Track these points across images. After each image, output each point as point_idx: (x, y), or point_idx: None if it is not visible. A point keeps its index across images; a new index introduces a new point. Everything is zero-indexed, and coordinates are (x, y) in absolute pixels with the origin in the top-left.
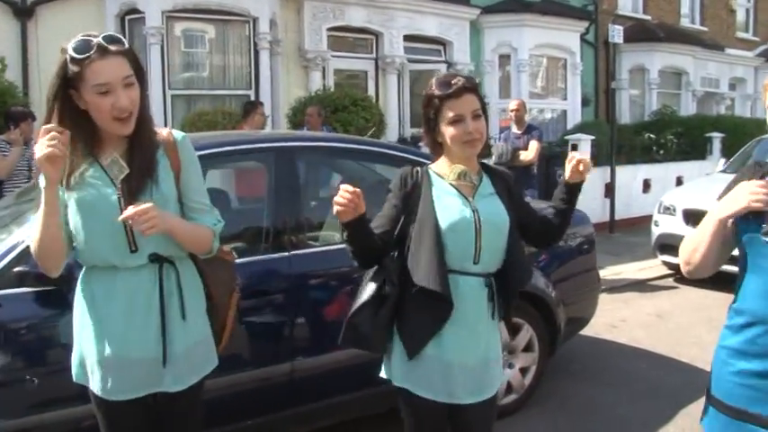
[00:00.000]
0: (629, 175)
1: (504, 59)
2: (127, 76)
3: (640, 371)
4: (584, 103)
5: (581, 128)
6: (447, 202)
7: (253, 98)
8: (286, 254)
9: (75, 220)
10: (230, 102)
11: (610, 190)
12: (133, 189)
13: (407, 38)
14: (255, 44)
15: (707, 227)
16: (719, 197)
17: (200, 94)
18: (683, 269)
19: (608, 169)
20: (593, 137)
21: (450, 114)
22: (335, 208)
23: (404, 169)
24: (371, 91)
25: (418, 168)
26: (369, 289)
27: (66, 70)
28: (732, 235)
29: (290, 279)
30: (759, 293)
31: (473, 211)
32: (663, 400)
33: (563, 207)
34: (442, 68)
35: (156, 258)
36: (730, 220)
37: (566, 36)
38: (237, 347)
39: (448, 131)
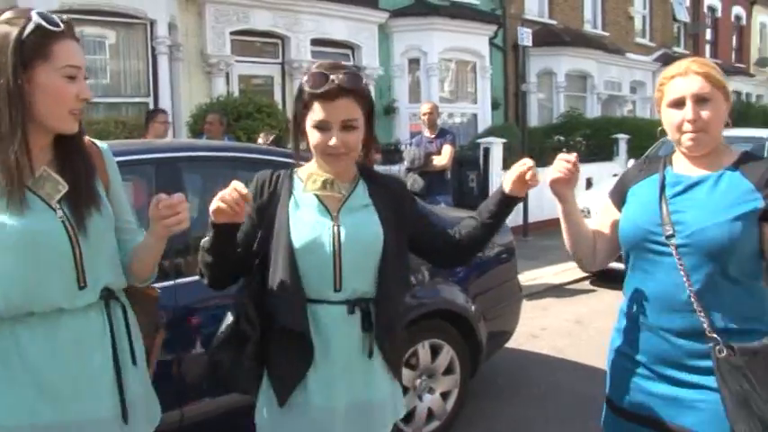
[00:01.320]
0: (541, 178)
1: (414, 63)
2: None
3: (566, 383)
4: (494, 106)
5: (492, 131)
6: (303, 215)
7: (151, 106)
8: (170, 283)
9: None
10: (127, 110)
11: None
12: (80, 209)
13: (315, 42)
14: (153, 48)
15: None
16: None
17: (94, 101)
18: (577, 265)
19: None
20: (504, 140)
21: (316, 118)
22: (214, 204)
23: (261, 173)
24: (278, 97)
25: (280, 173)
26: (227, 322)
27: (24, 42)
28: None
29: (174, 312)
30: (640, 297)
31: (334, 227)
32: (590, 412)
33: (489, 222)
34: None
35: (105, 294)
36: (613, 214)
37: (475, 40)
38: None
39: (311, 136)
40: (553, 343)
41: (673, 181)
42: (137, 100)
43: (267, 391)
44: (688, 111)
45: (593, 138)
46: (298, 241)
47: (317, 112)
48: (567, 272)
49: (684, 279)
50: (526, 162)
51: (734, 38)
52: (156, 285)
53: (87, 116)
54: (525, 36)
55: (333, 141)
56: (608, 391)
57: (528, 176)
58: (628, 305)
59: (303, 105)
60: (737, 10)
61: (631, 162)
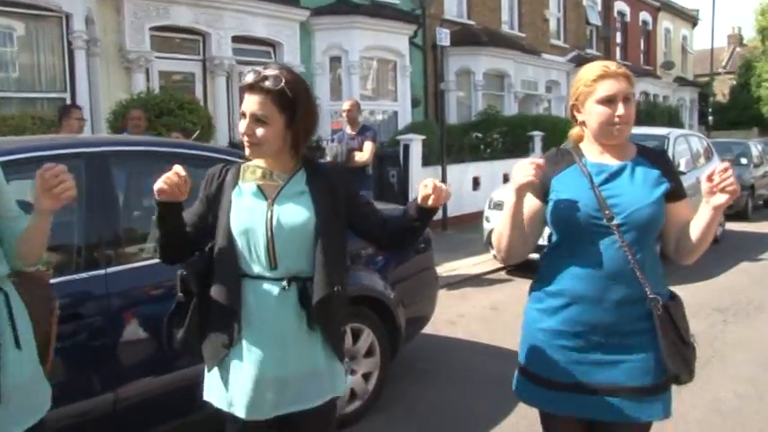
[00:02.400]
0: (460, 174)
1: (335, 62)
2: None
3: (482, 365)
4: (414, 104)
5: (412, 128)
6: (243, 202)
7: (68, 101)
8: (101, 271)
9: None
10: (42, 105)
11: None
12: None
13: (236, 39)
14: (70, 43)
15: (505, 213)
16: None
17: (7, 96)
18: (498, 257)
19: (439, 168)
20: (424, 137)
21: (241, 109)
22: (158, 183)
23: (214, 167)
24: (199, 94)
25: (229, 167)
26: (177, 297)
27: None
28: (542, 219)
29: (106, 299)
30: (577, 275)
31: (268, 211)
32: (505, 391)
33: (413, 225)
34: None
35: None
36: (535, 205)
37: (395, 39)
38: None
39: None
40: (470, 329)
41: (596, 170)
42: (53, 95)
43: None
44: (620, 107)
45: (510, 135)
46: (235, 224)
47: (243, 103)
48: (484, 263)
49: (627, 253)
50: (427, 184)
51: (641, 42)
52: (86, 275)
53: (2, 112)
54: (444, 36)
55: (243, 129)
56: (523, 361)
57: (430, 202)
58: (556, 284)
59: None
60: (644, 15)
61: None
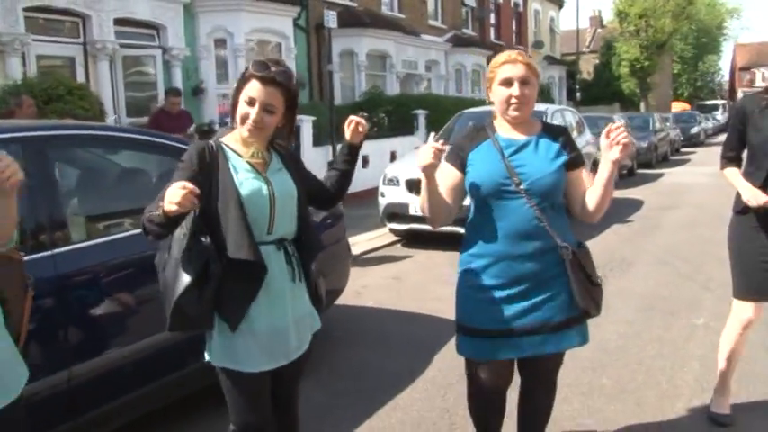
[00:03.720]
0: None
1: (221, 44)
2: None
3: (392, 328)
4: (300, 86)
5: (300, 110)
6: (244, 176)
7: None
8: (48, 253)
9: None
10: None
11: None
12: None
13: (118, 21)
14: None
15: (422, 190)
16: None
17: None
18: (429, 223)
19: (329, 148)
20: (313, 117)
21: (247, 95)
22: (168, 205)
23: (198, 144)
24: (81, 79)
25: (212, 144)
26: (190, 270)
27: None
28: (462, 187)
29: (55, 280)
30: (497, 236)
31: (268, 184)
32: (417, 349)
33: (345, 168)
34: (158, 54)
35: None
36: (455, 176)
37: (279, 21)
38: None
39: (240, 108)
40: (376, 297)
41: (506, 144)
42: None
43: (219, 324)
44: (515, 89)
45: (395, 114)
46: (245, 195)
47: (251, 90)
48: (381, 237)
49: (536, 212)
50: (352, 119)
51: (514, 22)
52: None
53: None
54: (331, 18)
55: (255, 116)
56: (460, 319)
57: (360, 129)
58: (480, 247)
59: (243, 83)
60: None
61: (431, 135)
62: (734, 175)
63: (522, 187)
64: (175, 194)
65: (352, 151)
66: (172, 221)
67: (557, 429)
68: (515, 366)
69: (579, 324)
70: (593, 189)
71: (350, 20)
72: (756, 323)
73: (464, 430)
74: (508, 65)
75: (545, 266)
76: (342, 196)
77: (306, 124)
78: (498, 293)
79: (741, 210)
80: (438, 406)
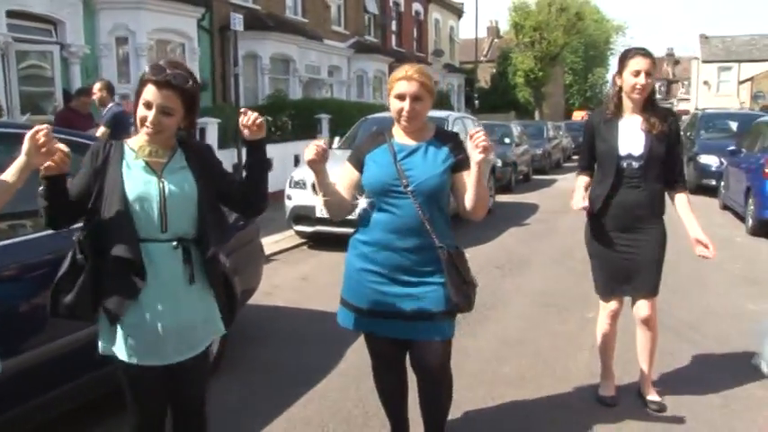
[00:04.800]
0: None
1: (122, 42)
2: None
3: (303, 326)
4: (203, 88)
5: (204, 112)
6: (135, 175)
7: None
8: None
9: None
10: None
11: (237, 170)
12: None
13: (12, 14)
14: None
15: (315, 179)
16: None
17: None
18: (329, 216)
19: (234, 151)
20: (219, 120)
21: (144, 98)
22: (46, 163)
23: (96, 144)
24: None
25: (112, 143)
26: (66, 261)
27: None
28: (358, 184)
29: None
30: (384, 228)
31: (159, 183)
32: (329, 345)
33: (252, 169)
34: (55, 50)
35: None
36: (354, 175)
37: (183, 21)
38: None
39: (139, 111)
40: (286, 297)
41: (399, 149)
42: None
43: (103, 317)
44: (407, 104)
45: (298, 118)
46: (131, 193)
47: (148, 93)
48: (288, 239)
49: (419, 212)
50: (243, 110)
51: (414, 30)
52: None
53: None
54: (237, 21)
55: (151, 119)
56: (344, 294)
57: (250, 122)
58: (368, 235)
59: (142, 86)
60: (417, 6)
61: (336, 139)
62: (579, 181)
63: (409, 188)
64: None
65: (254, 147)
66: (51, 183)
67: (462, 416)
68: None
69: (448, 318)
70: (468, 186)
71: (254, 23)
72: (624, 312)
73: (379, 418)
74: (404, 81)
75: (423, 261)
76: (262, 201)
77: (211, 126)
78: (379, 279)
79: (589, 213)
80: (352, 396)
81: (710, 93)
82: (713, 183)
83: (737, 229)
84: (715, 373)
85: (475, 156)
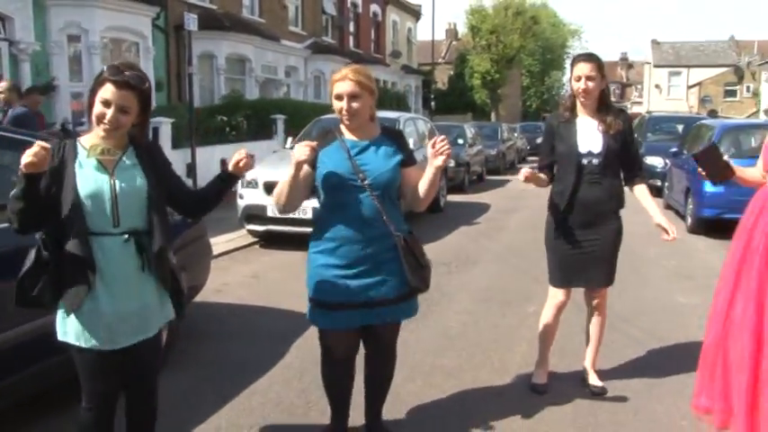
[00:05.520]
0: (208, 156)
1: (74, 40)
2: None
3: (253, 322)
4: (158, 87)
5: (158, 112)
6: (87, 174)
7: None
8: None
9: None
10: None
11: (192, 170)
12: None
13: None
14: None
15: (287, 180)
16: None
17: None
18: (277, 209)
19: (188, 151)
20: (173, 120)
21: (102, 97)
22: (26, 158)
23: (53, 143)
24: None
25: (66, 143)
26: (31, 255)
27: None
28: (312, 181)
29: None
30: (343, 222)
31: (111, 180)
32: (276, 340)
33: (221, 186)
34: (3, 46)
35: None
36: (308, 172)
37: (137, 20)
38: None
39: (96, 109)
40: (236, 294)
41: (351, 145)
42: None
43: (62, 305)
44: (345, 103)
45: (254, 118)
46: (83, 191)
47: (106, 92)
48: (240, 238)
49: (377, 203)
50: (245, 156)
51: (372, 32)
52: None
53: None
54: (192, 21)
55: (109, 116)
56: (312, 294)
57: (242, 163)
58: (328, 232)
59: (97, 85)
60: (375, 8)
61: (289, 140)
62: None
63: (366, 182)
64: (29, 152)
65: (232, 179)
66: (31, 180)
67: (401, 405)
68: (360, 339)
69: (410, 299)
70: (422, 183)
71: (210, 22)
72: (570, 305)
73: (319, 408)
74: (339, 82)
75: (382, 250)
76: (206, 213)
77: (164, 126)
78: (343, 272)
79: (552, 210)
80: (295, 388)
81: (662, 96)
82: (658, 183)
83: (678, 227)
84: (642, 362)
85: (437, 161)
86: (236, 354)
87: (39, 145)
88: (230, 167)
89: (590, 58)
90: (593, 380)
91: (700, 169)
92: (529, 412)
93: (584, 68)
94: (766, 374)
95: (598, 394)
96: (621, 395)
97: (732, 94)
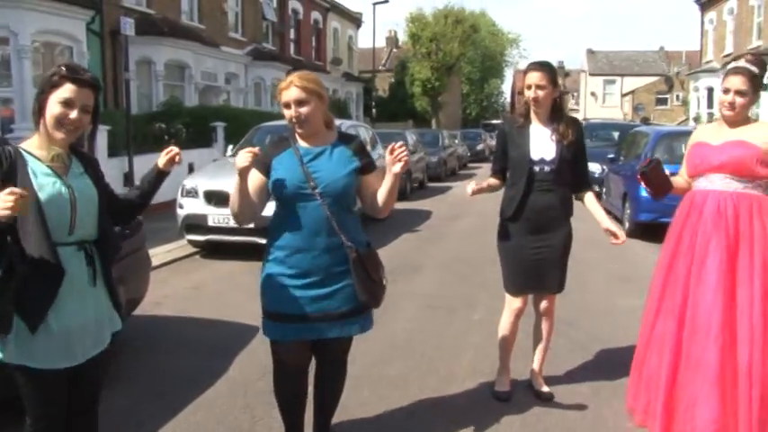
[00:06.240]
0: (146, 164)
1: (2, 43)
2: None
3: (193, 335)
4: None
5: None
6: (44, 180)
7: None
8: None
9: None
10: None
11: (129, 179)
12: None
13: None
14: None
15: (234, 189)
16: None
17: None
18: (235, 221)
19: (125, 159)
20: (109, 127)
21: (61, 97)
22: (4, 211)
23: None
24: None
25: (10, 148)
26: None
27: None
28: (266, 189)
29: None
30: (295, 231)
31: (68, 187)
32: (218, 353)
33: (148, 189)
34: None
35: None
36: (261, 180)
37: (71, 23)
38: None
39: (55, 110)
40: (177, 307)
41: (304, 152)
42: None
43: (17, 326)
44: (293, 111)
45: (193, 125)
46: (45, 198)
47: (66, 92)
48: (179, 248)
49: (328, 213)
50: (173, 150)
51: (313, 39)
52: None
53: None
54: (128, 26)
55: (73, 116)
56: (264, 305)
57: (177, 159)
58: (280, 240)
59: (51, 86)
60: (316, 15)
61: (230, 147)
62: (488, 179)
63: (317, 190)
64: (5, 200)
65: (161, 177)
66: (3, 227)
67: (348, 417)
68: (311, 351)
69: (362, 314)
70: (381, 192)
71: (147, 28)
72: (525, 312)
73: (265, 422)
74: (285, 90)
75: (334, 261)
76: (135, 216)
77: (100, 134)
78: (294, 282)
79: (504, 216)
80: (240, 402)
81: (597, 104)
82: (596, 189)
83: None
84: (586, 365)
85: (395, 168)
86: (178, 368)
87: (13, 192)
88: (161, 164)
89: (541, 67)
90: (541, 385)
91: (644, 186)
92: (477, 421)
93: (533, 77)
94: (682, 385)
95: (546, 400)
96: (569, 400)
97: (663, 102)
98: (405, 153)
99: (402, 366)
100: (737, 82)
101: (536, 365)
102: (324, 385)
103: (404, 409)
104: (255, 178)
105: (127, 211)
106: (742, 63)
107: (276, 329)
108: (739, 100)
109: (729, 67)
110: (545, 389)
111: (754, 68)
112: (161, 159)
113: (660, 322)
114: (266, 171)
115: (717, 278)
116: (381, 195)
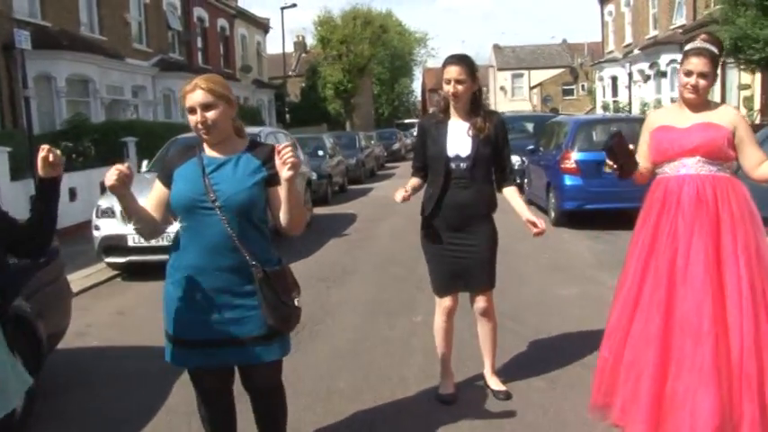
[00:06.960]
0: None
1: None
2: None
3: (123, 366)
4: None
5: None
6: None
7: None
8: None
9: None
10: None
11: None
12: None
13: None
14: None
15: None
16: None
17: None
18: (142, 237)
19: (31, 182)
20: (9, 149)
21: None
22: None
23: None
24: None
25: None
26: None
27: None
28: (168, 203)
29: None
30: (195, 249)
31: None
32: (154, 382)
33: (41, 207)
34: None
35: None
36: (162, 192)
37: None
38: None
39: None
40: (102, 336)
41: (208, 162)
42: None
43: None
44: (198, 116)
45: (102, 142)
46: None
47: None
48: (99, 272)
49: (228, 229)
50: (43, 147)
51: (221, 46)
52: None
53: None
54: (23, 39)
55: None
56: (165, 327)
57: (51, 159)
58: (183, 258)
59: None
60: (222, 22)
61: (144, 163)
62: (410, 182)
63: (217, 204)
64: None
65: (48, 186)
66: None
67: None
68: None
69: (276, 338)
70: (282, 206)
71: (45, 41)
72: (458, 311)
73: None
74: (190, 93)
75: (238, 282)
76: (49, 242)
77: (1, 155)
78: (195, 305)
79: (424, 214)
80: None
81: (507, 98)
82: (517, 181)
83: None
84: (538, 358)
85: (284, 173)
86: (111, 403)
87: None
88: (40, 172)
89: (459, 60)
90: (496, 385)
91: (610, 163)
92: (438, 426)
93: (452, 72)
94: (674, 383)
95: (504, 399)
96: (526, 396)
97: (569, 92)
98: (291, 155)
99: (352, 378)
100: (700, 64)
101: (487, 365)
102: (261, 413)
103: (362, 422)
104: (158, 190)
105: (30, 239)
106: (702, 44)
107: (179, 356)
108: (702, 82)
109: (688, 47)
110: (501, 387)
111: (714, 49)
112: (39, 166)
113: (640, 319)
114: (168, 182)
115: (704, 269)
116: (282, 210)
